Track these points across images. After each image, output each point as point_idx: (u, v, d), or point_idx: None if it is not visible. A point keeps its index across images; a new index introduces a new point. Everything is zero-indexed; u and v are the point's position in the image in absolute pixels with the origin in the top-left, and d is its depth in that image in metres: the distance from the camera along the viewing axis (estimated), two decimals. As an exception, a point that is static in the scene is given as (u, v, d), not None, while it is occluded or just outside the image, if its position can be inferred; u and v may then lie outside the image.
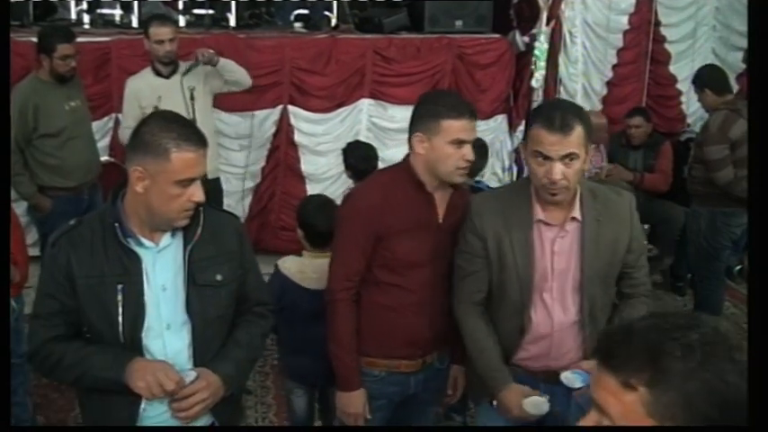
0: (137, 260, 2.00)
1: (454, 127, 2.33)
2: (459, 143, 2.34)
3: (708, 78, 4.50)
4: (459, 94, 2.62)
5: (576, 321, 2.38)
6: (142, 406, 2.02)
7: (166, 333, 2.02)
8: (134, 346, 1.99)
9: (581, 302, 2.36)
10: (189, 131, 1.95)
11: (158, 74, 4.30)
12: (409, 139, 2.44)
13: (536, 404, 2.31)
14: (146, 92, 4.22)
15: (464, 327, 2.45)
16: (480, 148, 4.21)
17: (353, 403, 2.51)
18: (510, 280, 2.36)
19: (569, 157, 2.19)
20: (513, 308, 2.38)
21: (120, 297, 1.97)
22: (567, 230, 2.33)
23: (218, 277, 2.07)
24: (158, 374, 1.92)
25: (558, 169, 2.19)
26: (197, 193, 1.96)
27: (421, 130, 2.38)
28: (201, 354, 2.06)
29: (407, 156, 2.48)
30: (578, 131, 2.20)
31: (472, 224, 2.40)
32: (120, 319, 1.97)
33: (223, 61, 4.37)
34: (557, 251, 2.34)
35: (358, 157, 3.91)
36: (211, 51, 4.34)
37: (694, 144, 4.65)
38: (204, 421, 2.11)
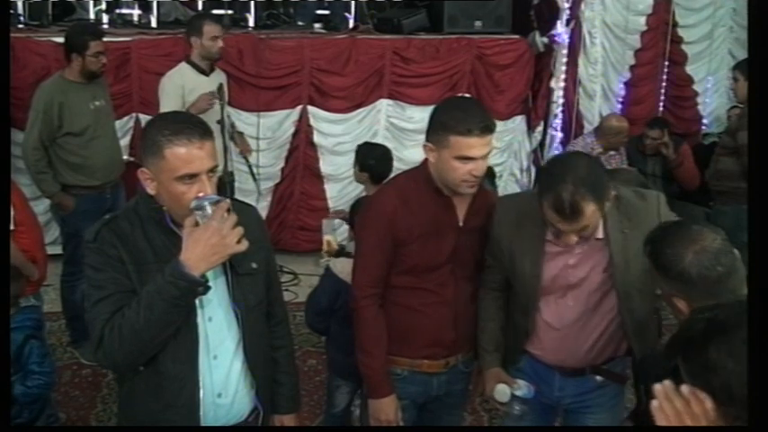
0: (180, 245, 1.95)
1: (461, 144, 2.25)
2: (467, 159, 2.27)
3: None
4: (476, 104, 2.47)
5: (602, 325, 2.38)
6: (200, 395, 2.00)
7: (208, 325, 2.01)
8: (187, 333, 1.96)
9: (618, 314, 2.34)
10: (182, 126, 1.88)
11: (200, 71, 4.40)
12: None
13: (500, 391, 2.44)
14: (189, 87, 4.31)
15: (478, 307, 2.56)
16: None
17: (385, 410, 2.48)
18: (519, 284, 2.41)
19: (583, 229, 2.17)
20: (522, 308, 2.44)
21: None
22: (585, 249, 2.29)
23: (254, 265, 2.08)
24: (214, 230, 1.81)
25: (573, 239, 2.19)
26: (203, 190, 1.87)
27: (431, 141, 2.34)
28: (249, 342, 2.05)
29: (426, 160, 2.43)
30: (590, 210, 2.11)
31: (492, 228, 2.45)
32: None
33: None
34: (572, 264, 2.32)
35: (378, 158, 3.77)
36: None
37: (724, 135, 4.59)
38: (248, 406, 2.12)
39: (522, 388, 2.44)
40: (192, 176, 1.87)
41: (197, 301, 1.96)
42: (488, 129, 2.27)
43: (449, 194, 2.40)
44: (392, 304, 2.48)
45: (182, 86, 4.31)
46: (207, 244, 1.81)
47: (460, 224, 2.44)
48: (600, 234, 2.27)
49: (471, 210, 2.45)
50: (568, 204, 2.08)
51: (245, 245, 1.85)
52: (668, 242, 1.89)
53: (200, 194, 1.86)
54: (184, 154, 1.85)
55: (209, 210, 1.83)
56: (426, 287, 2.45)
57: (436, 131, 2.31)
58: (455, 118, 2.26)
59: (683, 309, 1.87)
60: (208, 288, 1.87)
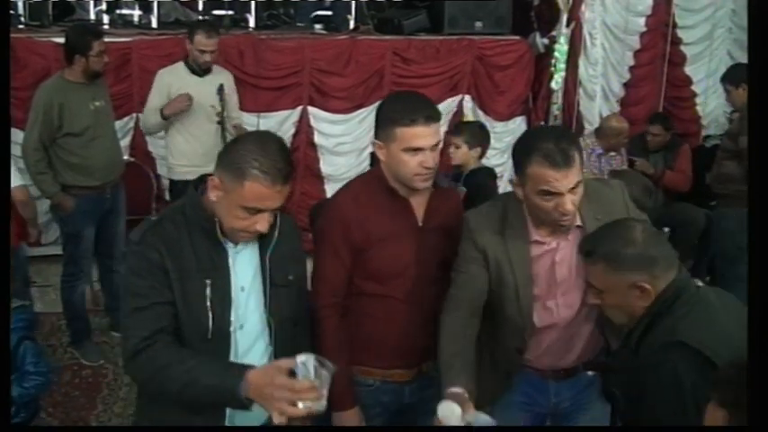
0: (224, 255, 1.97)
1: (407, 134, 2.21)
2: (415, 150, 2.23)
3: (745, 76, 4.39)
4: (419, 95, 2.40)
5: (590, 318, 2.36)
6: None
7: (239, 333, 1.99)
8: (222, 343, 1.96)
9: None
10: (272, 164, 1.86)
11: (193, 72, 4.43)
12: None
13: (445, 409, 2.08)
14: (177, 86, 4.35)
15: (441, 335, 2.32)
16: (481, 129, 4.18)
17: (349, 423, 2.40)
18: (508, 299, 2.32)
19: (576, 186, 2.14)
20: (513, 328, 2.35)
21: (208, 291, 1.93)
22: (569, 239, 2.29)
23: (291, 277, 2.07)
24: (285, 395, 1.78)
25: (569, 200, 2.13)
26: (261, 223, 1.91)
27: (379, 138, 2.29)
28: (280, 354, 2.00)
29: (380, 161, 2.37)
30: (578, 158, 2.12)
31: (471, 237, 2.32)
32: (210, 314, 1.94)
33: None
34: (558, 261, 2.29)
35: None
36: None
37: (725, 137, 4.58)
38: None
39: (479, 418, 2.09)
40: (259, 210, 1.89)
41: (232, 312, 1.97)
42: (432, 118, 2.25)
43: (405, 195, 2.35)
44: (362, 315, 2.41)
45: (169, 85, 4.35)
46: (270, 396, 1.78)
47: (420, 224, 2.39)
48: (578, 221, 2.27)
49: (430, 209, 2.39)
50: (559, 150, 2.08)
51: (279, 419, 1.79)
52: (613, 236, 2.00)
53: (311, 361, 1.80)
54: (263, 192, 1.86)
55: (311, 372, 1.80)
56: (394, 295, 2.38)
57: (383, 127, 2.28)
58: (399, 110, 2.23)
59: (650, 291, 1.94)
60: (248, 409, 1.86)
